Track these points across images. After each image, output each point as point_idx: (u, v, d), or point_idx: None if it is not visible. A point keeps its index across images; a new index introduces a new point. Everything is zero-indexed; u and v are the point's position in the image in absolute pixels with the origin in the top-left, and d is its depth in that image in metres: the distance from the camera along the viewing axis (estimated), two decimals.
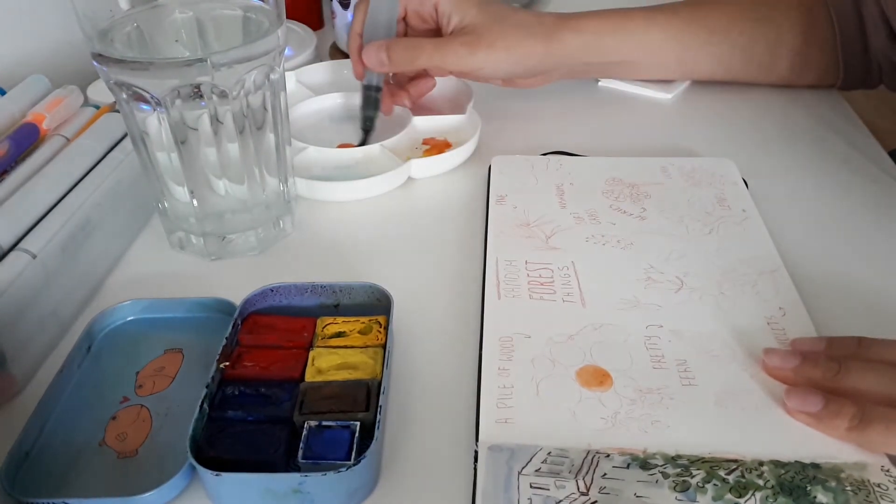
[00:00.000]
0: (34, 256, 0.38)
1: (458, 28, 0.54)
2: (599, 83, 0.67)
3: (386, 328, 0.38)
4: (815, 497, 0.30)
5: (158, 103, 0.39)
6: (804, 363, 0.35)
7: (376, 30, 0.55)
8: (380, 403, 0.33)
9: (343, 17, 0.69)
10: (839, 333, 0.37)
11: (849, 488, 0.30)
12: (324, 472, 0.30)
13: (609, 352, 0.37)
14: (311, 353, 0.36)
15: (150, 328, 0.40)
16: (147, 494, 0.31)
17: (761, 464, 0.31)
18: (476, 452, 0.32)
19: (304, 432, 0.32)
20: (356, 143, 0.56)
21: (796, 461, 0.31)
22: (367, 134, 0.56)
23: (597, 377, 0.36)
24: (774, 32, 0.59)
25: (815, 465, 0.31)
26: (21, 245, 0.38)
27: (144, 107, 0.40)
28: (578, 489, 0.30)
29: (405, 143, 0.56)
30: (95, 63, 0.39)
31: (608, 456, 0.32)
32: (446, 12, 0.54)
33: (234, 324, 0.37)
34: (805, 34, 0.59)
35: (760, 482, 0.30)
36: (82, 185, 0.44)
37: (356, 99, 0.62)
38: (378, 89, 0.56)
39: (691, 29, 0.59)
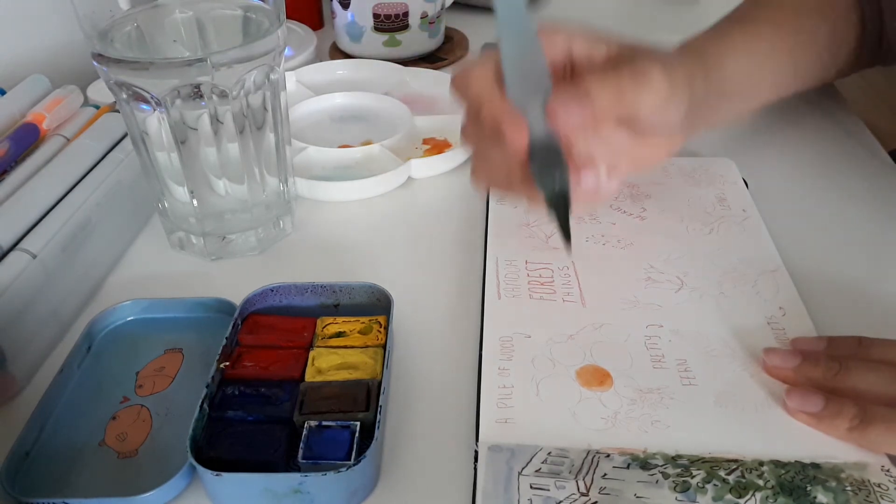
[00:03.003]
0: (34, 256, 0.38)
1: (606, 62, 0.38)
2: None
3: (386, 328, 0.38)
4: (815, 497, 0.30)
5: (158, 103, 0.39)
6: (805, 363, 0.35)
7: (521, 74, 0.35)
8: (380, 403, 0.33)
9: (343, 17, 0.69)
10: (839, 333, 0.37)
11: (849, 488, 0.30)
12: (324, 472, 0.30)
13: (609, 352, 0.37)
14: (311, 353, 0.36)
15: (150, 328, 0.40)
16: (147, 494, 0.31)
17: (761, 464, 0.31)
18: (476, 452, 0.32)
19: (304, 432, 0.32)
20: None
21: (796, 461, 0.31)
22: (567, 213, 0.36)
23: (597, 377, 0.36)
24: (831, 22, 0.51)
25: (816, 465, 0.31)
26: (21, 245, 0.38)
27: (144, 107, 0.40)
28: (578, 489, 0.30)
29: (405, 143, 0.56)
30: (95, 63, 0.39)
31: (608, 456, 0.32)
32: (584, 50, 0.38)
33: (234, 324, 0.37)
34: (844, 18, 0.51)
35: (760, 482, 0.30)
36: (82, 185, 0.44)
37: (357, 99, 0.62)
38: (556, 149, 0.35)
39: (777, 34, 0.48)
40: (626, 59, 0.37)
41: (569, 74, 0.39)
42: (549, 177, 0.35)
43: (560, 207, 0.35)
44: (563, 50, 0.38)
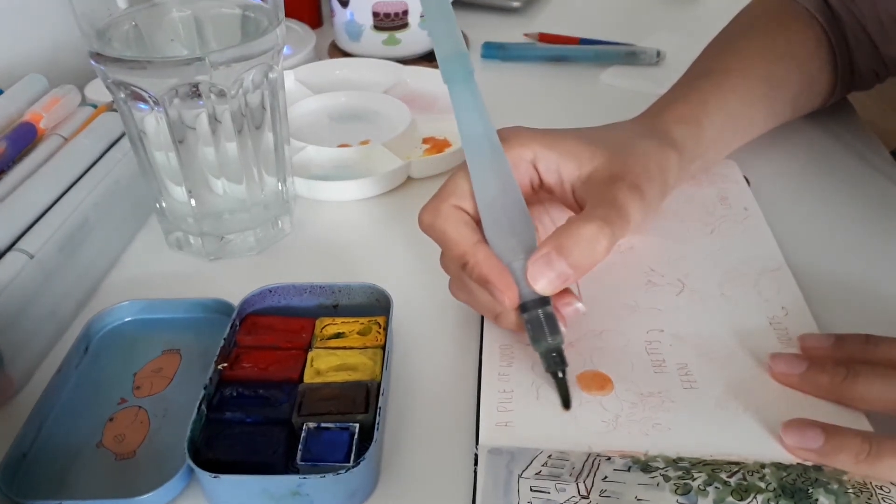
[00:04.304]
0: (31, 257, 0.38)
1: (578, 184, 0.38)
2: (601, 82, 0.67)
3: (385, 329, 0.37)
4: (816, 500, 0.30)
5: (156, 102, 0.39)
6: (811, 369, 0.34)
7: (501, 222, 0.35)
8: (379, 405, 0.33)
9: (342, 16, 0.69)
10: (843, 332, 0.37)
11: (850, 490, 0.30)
12: (322, 475, 0.30)
13: (610, 357, 0.37)
14: (310, 355, 0.36)
15: (147, 329, 0.40)
16: (145, 496, 0.30)
17: (763, 466, 0.31)
18: (476, 455, 0.32)
19: (303, 434, 0.32)
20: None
21: (798, 463, 0.31)
22: (563, 373, 0.35)
23: (597, 381, 0.36)
24: (802, 64, 0.52)
25: (817, 468, 0.31)
26: (18, 245, 0.38)
27: (142, 106, 0.40)
28: (579, 492, 0.30)
29: (405, 142, 0.56)
30: (93, 62, 0.39)
31: (609, 459, 0.32)
32: (553, 168, 0.38)
33: (232, 324, 0.37)
34: (815, 57, 0.52)
35: (762, 485, 0.30)
36: (80, 184, 0.44)
37: (357, 98, 0.62)
38: (545, 302, 0.35)
39: (748, 84, 0.49)
40: (602, 184, 0.36)
41: (537, 187, 0.39)
42: (541, 335, 0.34)
43: (555, 365, 0.34)
44: (530, 164, 0.38)
